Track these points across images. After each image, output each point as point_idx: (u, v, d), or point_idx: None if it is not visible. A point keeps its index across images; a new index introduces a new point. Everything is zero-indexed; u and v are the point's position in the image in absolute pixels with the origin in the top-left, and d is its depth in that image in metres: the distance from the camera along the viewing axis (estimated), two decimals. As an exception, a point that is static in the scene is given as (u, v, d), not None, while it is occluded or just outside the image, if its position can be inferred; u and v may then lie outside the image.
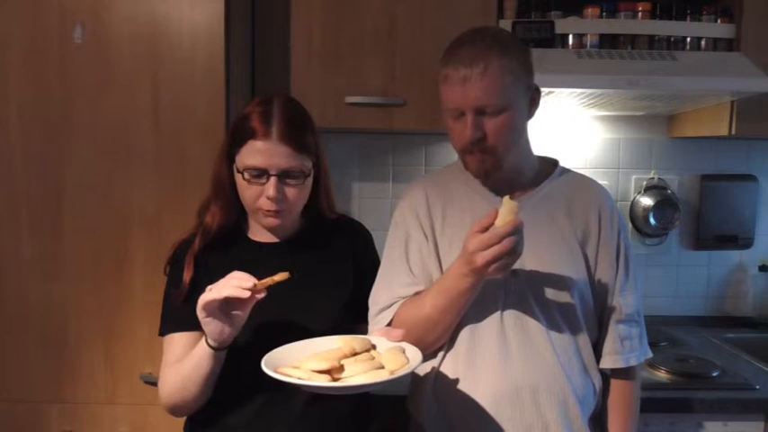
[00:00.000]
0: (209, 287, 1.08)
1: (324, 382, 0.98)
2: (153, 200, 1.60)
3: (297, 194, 1.22)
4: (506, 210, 1.03)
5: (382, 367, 1.02)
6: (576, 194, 1.27)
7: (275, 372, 0.99)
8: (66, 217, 1.60)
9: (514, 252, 1.03)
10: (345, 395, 1.16)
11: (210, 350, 1.13)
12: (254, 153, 1.18)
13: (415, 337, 1.12)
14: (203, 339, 1.13)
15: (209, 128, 1.59)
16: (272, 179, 1.18)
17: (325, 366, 0.99)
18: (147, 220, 1.60)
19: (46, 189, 1.60)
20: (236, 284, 1.05)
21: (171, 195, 1.60)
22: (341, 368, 1.01)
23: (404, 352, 1.07)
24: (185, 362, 1.17)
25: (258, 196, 1.20)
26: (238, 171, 1.20)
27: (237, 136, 1.21)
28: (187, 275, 1.23)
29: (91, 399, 1.63)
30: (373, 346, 1.11)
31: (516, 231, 1.02)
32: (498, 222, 1.03)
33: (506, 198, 1.04)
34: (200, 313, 1.08)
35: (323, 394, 1.05)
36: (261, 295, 1.08)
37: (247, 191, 1.20)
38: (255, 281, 1.06)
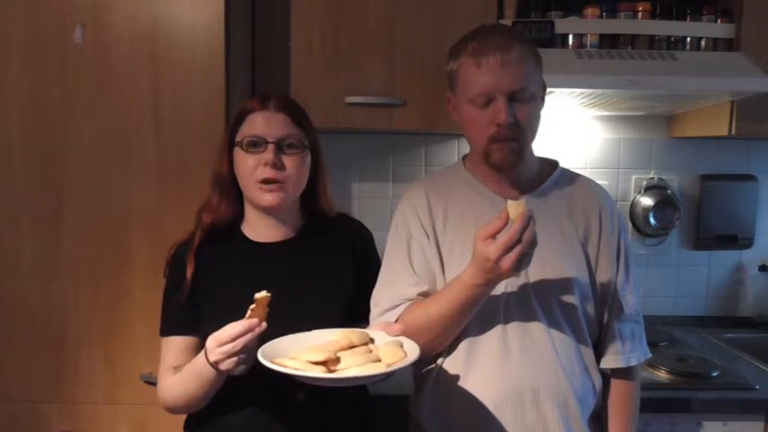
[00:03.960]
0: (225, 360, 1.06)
1: (319, 373, 0.97)
2: (153, 200, 1.60)
3: (295, 166, 1.23)
4: (513, 209, 1.02)
5: (379, 360, 1.02)
6: (577, 195, 1.27)
7: (271, 362, 0.98)
8: (66, 217, 1.60)
9: (536, 243, 1.02)
10: (342, 388, 1.16)
11: (219, 372, 1.11)
12: (253, 124, 1.22)
13: (419, 342, 1.11)
14: (206, 363, 1.10)
15: (209, 128, 1.59)
16: (271, 146, 1.20)
17: (321, 358, 0.99)
18: (147, 220, 1.60)
19: (46, 189, 1.60)
20: (245, 341, 1.05)
21: (171, 195, 1.60)
22: (337, 360, 1.01)
23: (402, 346, 1.07)
24: (188, 377, 1.16)
25: (256, 166, 1.20)
26: (239, 146, 1.22)
27: (236, 120, 1.25)
28: (189, 272, 1.23)
29: (91, 399, 1.63)
30: (372, 340, 1.11)
31: (530, 222, 1.01)
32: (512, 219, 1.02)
33: (510, 201, 1.03)
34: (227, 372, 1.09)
35: (321, 387, 1.04)
36: (263, 326, 1.06)
37: (246, 163, 1.21)
38: (249, 325, 1.05)
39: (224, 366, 1.07)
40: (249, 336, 1.04)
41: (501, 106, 1.13)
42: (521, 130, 1.16)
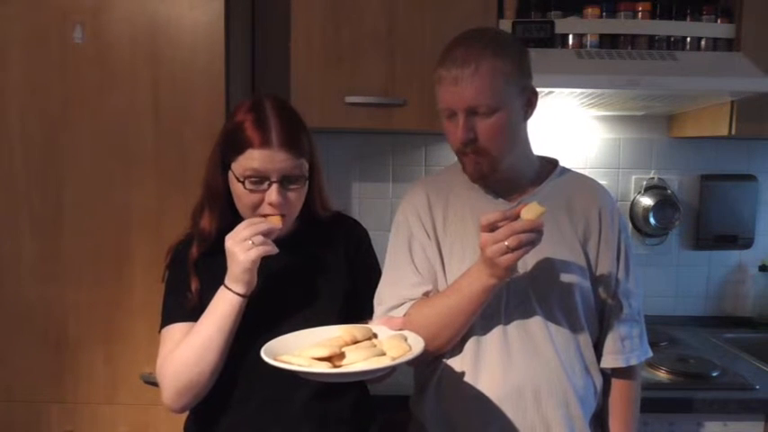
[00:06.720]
0: (237, 243, 1.13)
1: (325, 369, 0.97)
2: (153, 200, 1.60)
3: (297, 198, 1.22)
4: (526, 212, 1.03)
5: (384, 354, 1.01)
6: (577, 194, 1.27)
7: (275, 360, 0.98)
8: (67, 217, 1.60)
9: (528, 245, 1.02)
10: (347, 384, 1.15)
11: (241, 299, 1.14)
12: (254, 161, 1.16)
13: (425, 340, 1.11)
14: (221, 299, 1.15)
15: (209, 128, 1.58)
16: (275, 185, 1.17)
17: (325, 353, 0.98)
18: (147, 220, 1.60)
19: (46, 189, 1.60)
20: (262, 233, 1.14)
21: (171, 195, 1.59)
22: (342, 355, 1.00)
23: (405, 340, 1.06)
24: (205, 322, 1.16)
25: (259, 203, 1.19)
26: (238, 180, 1.18)
27: (233, 145, 1.19)
28: (194, 284, 1.22)
29: (91, 399, 1.63)
30: (374, 335, 1.10)
31: (533, 229, 1.02)
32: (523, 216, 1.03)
33: (530, 205, 1.04)
34: (246, 273, 1.14)
35: (324, 384, 1.04)
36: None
37: (248, 199, 1.19)
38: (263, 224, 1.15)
39: (240, 251, 1.12)
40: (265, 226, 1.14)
41: (458, 123, 1.14)
42: (480, 146, 1.15)
